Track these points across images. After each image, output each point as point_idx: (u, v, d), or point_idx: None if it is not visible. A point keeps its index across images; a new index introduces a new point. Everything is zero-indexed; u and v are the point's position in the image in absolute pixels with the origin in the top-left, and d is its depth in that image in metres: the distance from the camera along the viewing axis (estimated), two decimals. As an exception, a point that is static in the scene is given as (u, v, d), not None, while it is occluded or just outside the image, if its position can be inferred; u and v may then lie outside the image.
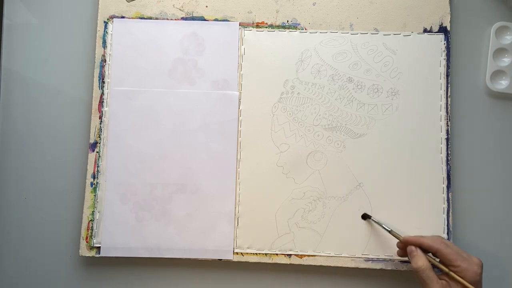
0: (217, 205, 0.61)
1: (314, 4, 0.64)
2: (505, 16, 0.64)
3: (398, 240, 0.56)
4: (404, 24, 0.63)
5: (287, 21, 0.64)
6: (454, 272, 0.50)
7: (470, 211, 0.62)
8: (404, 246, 0.55)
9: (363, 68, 0.62)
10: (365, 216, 0.60)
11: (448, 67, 0.62)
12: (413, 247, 0.53)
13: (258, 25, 0.64)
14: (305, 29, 0.63)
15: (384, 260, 0.60)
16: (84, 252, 0.60)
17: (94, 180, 0.61)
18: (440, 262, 0.52)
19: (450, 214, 0.60)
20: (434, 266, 0.52)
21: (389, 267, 0.59)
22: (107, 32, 0.63)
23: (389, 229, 0.57)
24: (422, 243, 0.53)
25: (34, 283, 0.62)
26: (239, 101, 0.62)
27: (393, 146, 0.61)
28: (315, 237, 0.60)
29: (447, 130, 0.61)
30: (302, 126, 0.62)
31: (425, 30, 0.63)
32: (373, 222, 0.59)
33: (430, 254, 0.53)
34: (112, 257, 0.60)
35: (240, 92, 0.62)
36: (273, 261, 0.60)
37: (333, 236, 0.60)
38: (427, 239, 0.53)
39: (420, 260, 0.51)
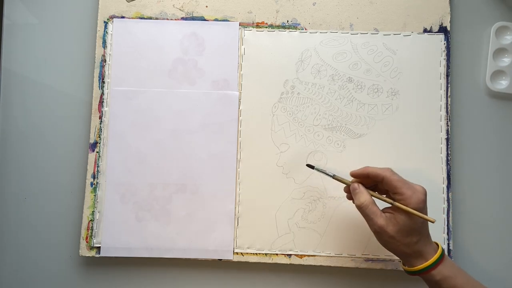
0: (217, 205, 0.61)
1: (314, 4, 0.64)
2: (505, 16, 0.64)
3: (344, 186, 0.54)
4: (404, 24, 0.63)
5: (287, 21, 0.64)
6: (399, 200, 0.49)
7: (470, 211, 0.62)
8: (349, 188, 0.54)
9: (363, 68, 0.62)
10: (309, 166, 0.57)
11: (448, 67, 0.62)
12: (355, 185, 0.52)
13: (258, 25, 0.64)
14: (305, 29, 0.63)
15: (384, 260, 0.60)
16: (84, 252, 0.60)
17: (94, 180, 0.61)
18: (386, 192, 0.52)
19: (450, 214, 0.60)
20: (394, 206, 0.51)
21: (389, 267, 0.59)
22: (107, 32, 0.63)
23: (331, 174, 0.55)
24: (369, 172, 0.52)
25: (34, 283, 0.62)
26: (239, 101, 0.62)
27: (393, 146, 0.61)
28: (315, 237, 0.60)
29: (447, 130, 0.61)
30: (302, 126, 0.62)
31: (425, 30, 0.63)
32: (316, 171, 0.56)
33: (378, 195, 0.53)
34: (112, 257, 0.60)
35: (240, 92, 0.62)
36: (273, 261, 0.60)
37: (333, 236, 0.60)
38: (372, 167, 0.52)
39: (362, 196, 0.51)
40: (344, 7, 0.64)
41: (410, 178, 0.60)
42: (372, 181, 0.53)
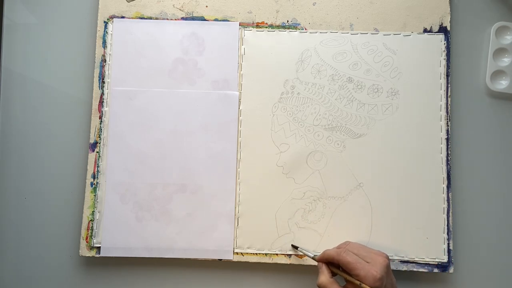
0: (217, 205, 0.61)
1: (314, 4, 0.64)
2: (505, 16, 0.64)
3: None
4: (404, 24, 0.63)
5: (287, 21, 0.64)
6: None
7: (470, 211, 0.62)
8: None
9: (363, 68, 0.62)
10: (294, 246, 0.59)
11: (448, 67, 0.62)
12: (320, 264, 0.54)
13: (258, 25, 0.64)
14: (305, 29, 0.63)
15: (384, 260, 0.59)
16: (84, 252, 0.60)
17: (94, 180, 0.61)
18: (345, 271, 0.52)
19: (450, 214, 0.60)
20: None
21: (389, 267, 0.59)
22: (107, 32, 0.63)
23: (312, 256, 0.57)
24: (327, 257, 0.53)
25: (34, 283, 0.62)
26: (239, 101, 0.62)
27: (393, 146, 0.61)
28: (315, 237, 0.60)
29: (447, 130, 0.61)
30: (302, 126, 0.62)
31: (425, 30, 0.63)
32: (299, 251, 0.59)
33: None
34: (112, 257, 0.60)
35: (240, 92, 0.62)
36: (273, 261, 0.60)
37: (333, 236, 0.60)
38: (330, 251, 0.53)
39: (321, 277, 0.52)
40: (344, 7, 0.64)
41: (410, 178, 0.60)
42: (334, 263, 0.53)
